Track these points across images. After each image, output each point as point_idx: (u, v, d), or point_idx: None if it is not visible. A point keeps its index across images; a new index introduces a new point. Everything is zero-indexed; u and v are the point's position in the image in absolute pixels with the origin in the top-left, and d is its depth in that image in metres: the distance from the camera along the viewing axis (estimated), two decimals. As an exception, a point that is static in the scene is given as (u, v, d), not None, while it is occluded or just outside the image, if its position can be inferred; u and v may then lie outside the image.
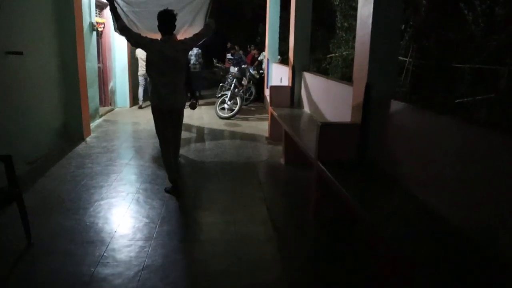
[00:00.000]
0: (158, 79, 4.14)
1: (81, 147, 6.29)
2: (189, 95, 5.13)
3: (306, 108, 6.60)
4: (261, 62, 11.66)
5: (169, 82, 4.14)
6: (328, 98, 5.45)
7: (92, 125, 7.76)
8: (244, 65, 10.96)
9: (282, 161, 5.84)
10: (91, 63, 7.80)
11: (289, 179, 5.17)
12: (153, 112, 4.27)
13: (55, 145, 6.15)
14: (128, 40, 4.41)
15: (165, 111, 4.22)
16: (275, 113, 6.55)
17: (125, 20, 5.00)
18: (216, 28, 4.49)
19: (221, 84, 10.08)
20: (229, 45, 13.28)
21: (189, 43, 4.38)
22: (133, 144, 6.62)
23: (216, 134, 7.47)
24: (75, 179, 4.87)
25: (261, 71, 11.34)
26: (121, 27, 4.27)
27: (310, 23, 7.06)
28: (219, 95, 9.42)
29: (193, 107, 5.20)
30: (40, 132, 5.71)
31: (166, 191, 4.41)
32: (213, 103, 10.88)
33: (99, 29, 8.66)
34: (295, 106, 7.00)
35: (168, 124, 4.29)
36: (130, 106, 10.20)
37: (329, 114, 5.37)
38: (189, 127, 7.86)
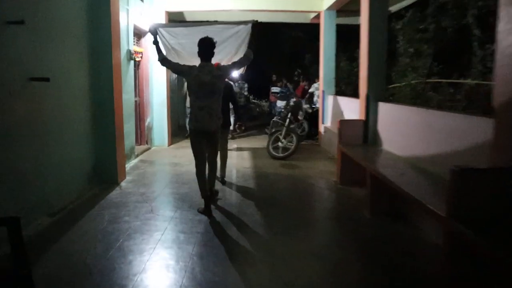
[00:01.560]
0: (195, 103, 4.48)
1: (115, 194, 5.37)
2: (231, 124, 5.60)
3: (387, 146, 5.48)
4: (312, 95, 10.69)
5: (205, 106, 4.45)
6: (429, 134, 4.30)
7: (127, 166, 6.92)
8: (293, 98, 10.03)
9: (366, 213, 4.66)
10: (128, 96, 7.09)
11: (386, 241, 3.96)
12: (190, 134, 4.64)
13: (84, 191, 5.31)
14: (170, 69, 4.77)
15: (201, 133, 4.53)
16: (350, 153, 5.47)
17: (169, 52, 5.50)
18: (252, 58, 4.73)
19: (273, 119, 9.12)
20: (274, 77, 12.49)
21: (225, 69, 4.62)
22: (177, 190, 5.64)
23: (272, 178, 6.43)
24: (107, 238, 3.86)
25: (313, 106, 10.35)
26: (162, 58, 4.66)
27: (386, 46, 6.04)
28: (271, 131, 8.37)
29: (240, 129, 6.06)
30: (66, 176, 4.86)
31: (199, 211, 4.65)
32: (254, 138, 10.30)
33: (137, 59, 7.95)
34: (370, 143, 5.90)
35: (203, 146, 4.64)
36: (169, 145, 9.34)
37: (431, 154, 4.21)
38: (238, 171, 6.91)
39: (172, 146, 9.43)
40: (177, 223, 4.33)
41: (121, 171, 6.03)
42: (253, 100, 14.50)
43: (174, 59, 5.33)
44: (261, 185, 6.01)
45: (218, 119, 4.58)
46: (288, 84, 11.80)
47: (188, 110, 9.70)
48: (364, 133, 5.98)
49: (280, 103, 11.24)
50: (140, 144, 8.68)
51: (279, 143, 8.00)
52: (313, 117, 10.07)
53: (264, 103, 20.26)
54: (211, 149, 4.77)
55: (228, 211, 4.72)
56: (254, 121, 13.39)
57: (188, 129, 4.72)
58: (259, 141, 10.13)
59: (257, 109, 15.51)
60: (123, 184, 5.89)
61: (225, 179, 6.06)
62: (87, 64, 5.48)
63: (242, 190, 5.66)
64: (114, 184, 5.78)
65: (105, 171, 5.80)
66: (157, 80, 9.09)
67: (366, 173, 5.18)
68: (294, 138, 7.86)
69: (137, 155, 7.88)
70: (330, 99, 9.12)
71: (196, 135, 4.60)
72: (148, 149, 8.80)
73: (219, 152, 5.23)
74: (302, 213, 4.79)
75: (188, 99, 9.64)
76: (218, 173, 5.77)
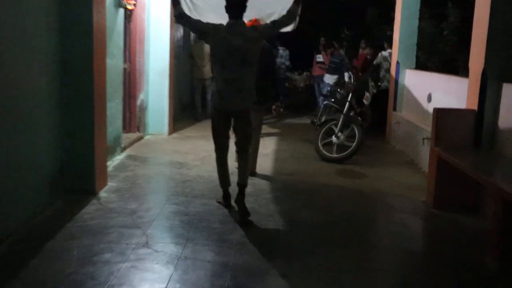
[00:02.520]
0: (222, 74, 4.64)
1: (90, 212, 4.81)
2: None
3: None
4: (378, 68, 10.24)
5: (235, 78, 4.58)
6: None
7: (110, 165, 6.46)
8: (348, 72, 9.43)
9: (492, 260, 3.95)
10: (113, 61, 6.74)
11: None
12: (211, 112, 4.94)
13: (42, 207, 4.76)
14: (189, 28, 5.23)
15: (227, 113, 4.77)
16: (454, 161, 4.82)
17: (188, 8, 5.84)
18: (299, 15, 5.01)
19: (324, 103, 8.73)
20: (323, 41, 11.96)
21: (263, 30, 4.74)
22: (185, 208, 5.07)
23: (326, 194, 5.87)
24: (75, 293, 3.21)
25: (379, 84, 9.77)
26: (178, 14, 4.71)
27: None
28: (321, 120, 8.07)
29: (277, 111, 6.27)
30: (13, 185, 4.29)
31: (218, 201, 5.14)
32: (290, 126, 10.30)
33: (128, 7, 7.46)
34: (485, 146, 5.26)
35: (227, 130, 4.94)
36: (170, 133, 9.08)
37: None
38: (276, 179, 6.38)
39: (174, 135, 9.13)
40: (188, 268, 3.68)
41: (101, 175, 5.57)
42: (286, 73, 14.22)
43: (194, 16, 5.53)
44: (311, 204, 5.45)
45: (250, 96, 4.73)
46: (342, 51, 11.28)
47: (196, 84, 10.83)
48: (476, 130, 5.29)
49: (329, 78, 10.82)
50: (129, 132, 8.35)
51: (334, 139, 7.50)
52: (377, 100, 9.45)
53: (297, 77, 19.57)
54: (241, 135, 4.88)
55: (266, 247, 4.14)
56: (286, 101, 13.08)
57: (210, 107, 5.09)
58: (299, 131, 9.79)
59: (286, 84, 15.10)
60: (103, 194, 5.38)
61: (256, 171, 6.42)
62: (52, 13, 4.93)
63: (284, 213, 5.10)
64: (89, 195, 5.25)
65: (76, 176, 5.32)
66: (157, 40, 8.68)
67: (485, 193, 4.57)
68: (356, 132, 7.29)
69: (124, 148, 7.50)
70: (408, 75, 8.61)
71: (219, 115, 4.80)
72: (140, 138, 8.47)
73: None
74: (382, 257, 4.17)
75: (196, 69, 10.69)
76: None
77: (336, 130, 7.49)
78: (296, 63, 14.47)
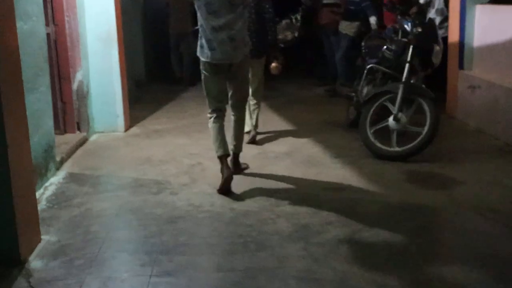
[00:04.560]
0: (208, 21, 5.23)
1: None
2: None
3: None
4: (421, 8, 9.01)
5: (224, 25, 5.17)
6: None
7: (41, 198, 5.50)
8: (374, 14, 9.33)
9: None
10: (29, 25, 5.97)
11: None
12: (201, 68, 5.50)
13: None
14: None
15: (220, 67, 5.37)
16: None
17: None
18: None
19: (368, 66, 7.62)
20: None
21: None
22: (187, 280, 3.92)
23: (411, 229, 4.67)
24: None
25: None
26: None
27: None
28: (366, 95, 7.06)
29: (276, 70, 6.83)
30: None
31: (218, 191, 5.52)
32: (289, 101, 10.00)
33: None
34: None
35: (223, 85, 5.57)
36: (127, 129, 8.22)
37: None
38: (316, 202, 5.25)
39: (134, 130, 8.32)
40: None
41: (28, 224, 4.53)
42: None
43: None
44: (397, 255, 4.15)
45: (244, 45, 5.33)
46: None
47: (173, 40, 11.95)
48: None
49: (347, 27, 10.06)
50: (65, 133, 7.58)
51: (391, 122, 6.47)
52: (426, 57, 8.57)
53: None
54: (237, 91, 5.54)
55: None
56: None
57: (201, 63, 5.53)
58: (314, 109, 9.16)
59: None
60: (35, 264, 4.25)
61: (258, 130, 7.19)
62: None
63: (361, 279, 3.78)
64: (10, 269, 4.18)
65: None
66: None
67: None
68: (427, 110, 6.28)
69: (62, 162, 6.57)
70: (480, 14, 7.87)
71: (212, 70, 5.33)
72: (84, 141, 7.65)
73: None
74: None
75: (174, 21, 11.56)
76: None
77: (395, 108, 6.46)
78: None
